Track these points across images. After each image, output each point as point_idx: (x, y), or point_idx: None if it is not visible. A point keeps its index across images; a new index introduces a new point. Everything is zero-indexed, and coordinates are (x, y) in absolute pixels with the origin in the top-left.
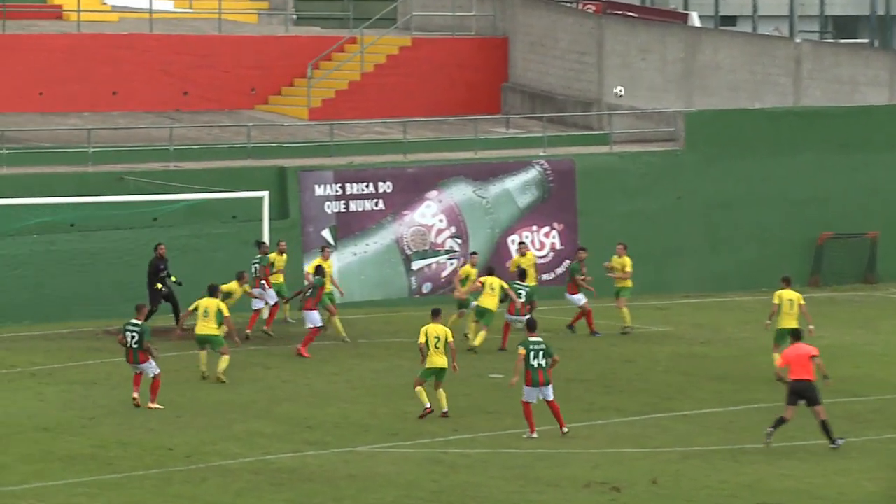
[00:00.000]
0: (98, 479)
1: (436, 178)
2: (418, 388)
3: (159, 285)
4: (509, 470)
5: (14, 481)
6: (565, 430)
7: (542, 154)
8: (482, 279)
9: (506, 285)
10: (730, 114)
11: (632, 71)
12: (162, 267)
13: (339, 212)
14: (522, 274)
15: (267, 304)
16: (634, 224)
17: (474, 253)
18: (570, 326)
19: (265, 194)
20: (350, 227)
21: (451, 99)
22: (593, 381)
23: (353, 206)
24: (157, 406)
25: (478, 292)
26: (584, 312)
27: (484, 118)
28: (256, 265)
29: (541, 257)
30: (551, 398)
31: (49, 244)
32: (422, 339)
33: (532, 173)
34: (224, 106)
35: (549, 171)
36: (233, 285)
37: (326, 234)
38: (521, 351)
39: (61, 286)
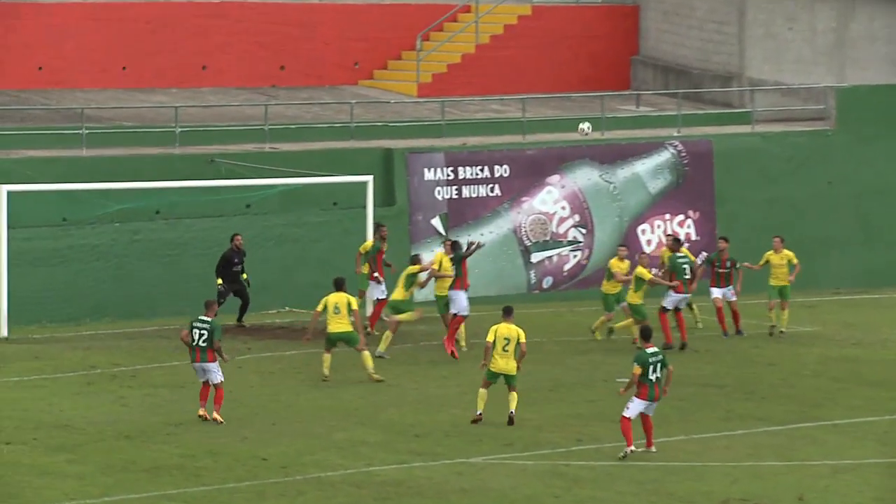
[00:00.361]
0: (185, 492)
1: (558, 160)
2: (481, 390)
3: (220, 281)
4: (639, 484)
5: (94, 494)
6: (653, 449)
7: (675, 134)
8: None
9: (644, 272)
10: (886, 90)
11: (777, 42)
12: (236, 260)
13: (450, 198)
14: (677, 242)
15: (377, 298)
16: (779, 212)
17: (622, 245)
18: (738, 331)
19: (369, 179)
20: (463, 215)
21: (576, 73)
22: (732, 387)
23: (465, 191)
24: (220, 419)
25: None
26: (721, 309)
27: (612, 94)
28: (373, 253)
29: None
30: (651, 413)
31: (132, 233)
32: (490, 338)
33: (665, 156)
34: (325, 81)
35: (683, 154)
36: (416, 268)
37: (436, 222)
38: (637, 370)
39: (145, 279)
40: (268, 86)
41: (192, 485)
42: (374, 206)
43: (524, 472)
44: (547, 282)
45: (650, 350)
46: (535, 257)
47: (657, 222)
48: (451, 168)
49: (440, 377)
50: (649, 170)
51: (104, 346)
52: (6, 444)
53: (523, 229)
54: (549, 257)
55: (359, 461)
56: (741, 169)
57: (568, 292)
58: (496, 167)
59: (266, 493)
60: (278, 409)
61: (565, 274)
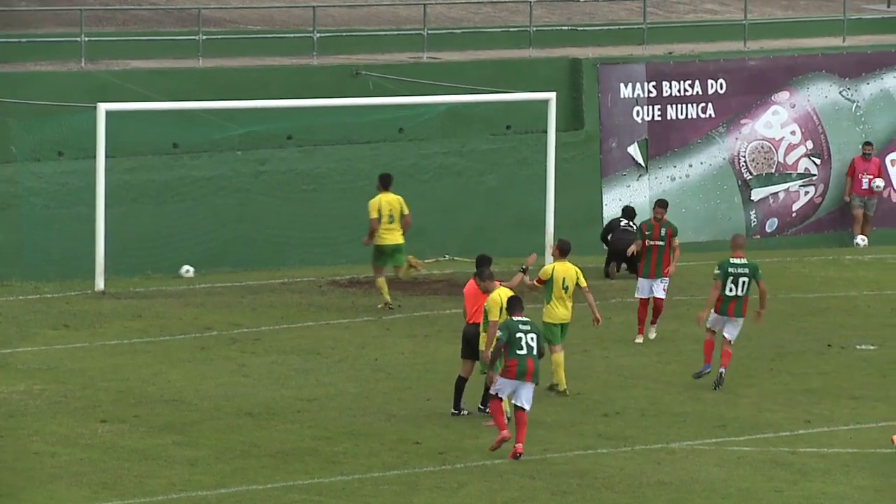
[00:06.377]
0: (319, 483)
1: (787, 73)
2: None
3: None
4: (883, 477)
5: (208, 483)
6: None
7: None
8: None
9: None
10: None
11: None
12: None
13: (652, 120)
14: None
15: None
16: None
17: None
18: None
19: (551, 96)
20: (667, 141)
21: None
22: None
23: (671, 112)
24: None
25: None
26: None
27: None
28: None
29: None
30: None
31: (258, 163)
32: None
33: None
34: None
35: None
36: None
37: (634, 151)
38: None
39: (274, 220)
40: None
41: (328, 473)
42: (557, 130)
43: (739, 461)
44: (771, 224)
45: None
46: (757, 194)
47: None
48: (653, 83)
49: (635, 344)
50: None
51: (222, 303)
52: (102, 423)
53: (742, 159)
54: (775, 194)
55: (533, 446)
56: None
57: (797, 238)
58: (710, 82)
59: (418, 485)
60: (434, 382)
61: (794, 215)
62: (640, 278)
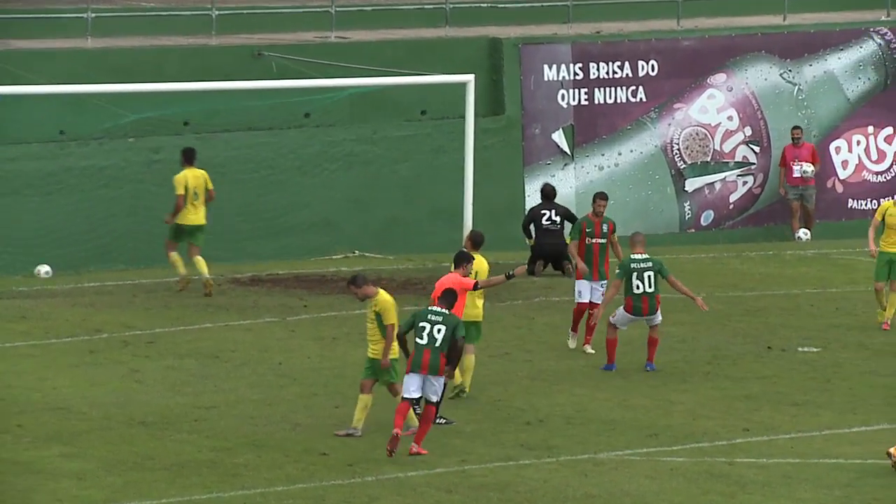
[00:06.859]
0: (219, 497)
1: (724, 54)
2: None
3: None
4: (825, 489)
5: (98, 499)
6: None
7: (884, 19)
8: None
9: None
10: None
11: None
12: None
13: (578, 105)
14: None
15: None
16: None
17: None
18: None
19: (470, 79)
20: (595, 127)
21: None
22: None
23: (599, 96)
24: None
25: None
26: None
27: None
28: None
29: (879, 172)
30: None
31: (152, 152)
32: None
33: (869, 47)
34: None
35: (894, 45)
36: None
37: (559, 137)
38: None
39: (168, 212)
40: None
41: (228, 487)
42: (476, 115)
43: (672, 473)
44: (706, 217)
45: None
46: (692, 184)
47: (857, 138)
48: (579, 64)
49: (560, 348)
50: (847, 66)
51: (113, 303)
52: None
53: (676, 147)
54: (710, 184)
55: (450, 457)
56: None
57: (735, 231)
58: (640, 63)
59: (326, 499)
60: (343, 388)
61: (731, 207)
62: (578, 281)
